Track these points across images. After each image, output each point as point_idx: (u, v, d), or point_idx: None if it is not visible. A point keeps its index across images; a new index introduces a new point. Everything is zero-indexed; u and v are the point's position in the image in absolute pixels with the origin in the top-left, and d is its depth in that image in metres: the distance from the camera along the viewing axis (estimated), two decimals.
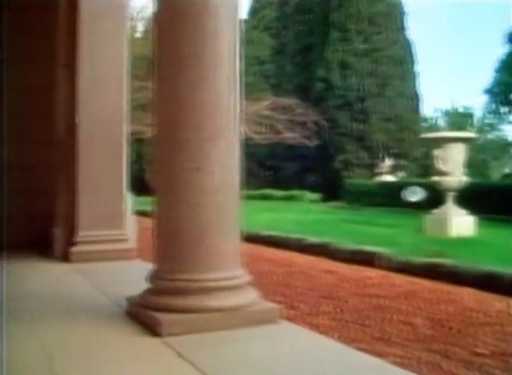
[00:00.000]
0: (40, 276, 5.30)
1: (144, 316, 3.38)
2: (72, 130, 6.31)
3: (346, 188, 24.10)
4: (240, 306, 3.36)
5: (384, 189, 21.96)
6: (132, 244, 6.38)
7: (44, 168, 7.66)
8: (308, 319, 4.36)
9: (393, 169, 28.77)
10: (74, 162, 6.18)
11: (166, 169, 3.40)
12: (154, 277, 3.47)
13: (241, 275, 3.47)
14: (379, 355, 3.33)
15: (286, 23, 35.77)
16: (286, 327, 3.49)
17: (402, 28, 31.28)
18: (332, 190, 25.86)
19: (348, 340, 3.85)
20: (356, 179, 25.98)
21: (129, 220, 6.46)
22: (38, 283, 4.85)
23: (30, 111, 7.71)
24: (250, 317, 3.38)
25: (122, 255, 6.07)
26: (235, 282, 3.39)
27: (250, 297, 3.46)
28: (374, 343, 3.79)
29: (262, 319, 3.41)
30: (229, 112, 3.48)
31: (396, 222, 13.84)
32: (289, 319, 3.88)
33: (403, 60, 30.37)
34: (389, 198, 20.43)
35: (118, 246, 6.12)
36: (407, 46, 31.09)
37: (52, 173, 7.01)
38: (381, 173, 27.01)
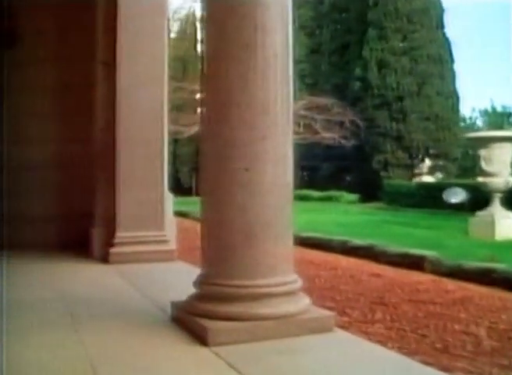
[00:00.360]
0: (80, 277, 5.17)
1: (190, 322, 3.18)
2: (111, 128, 6.18)
3: (385, 189, 23.68)
4: (293, 314, 3.14)
5: (423, 190, 21.49)
6: (172, 245, 6.22)
7: (83, 167, 7.56)
8: (362, 327, 4.11)
9: (432, 170, 28.21)
10: (113, 161, 6.05)
11: (214, 168, 3.19)
12: (201, 282, 3.26)
13: (294, 280, 3.25)
14: (446, 369, 3.06)
15: (322, 22, 35.42)
16: (342, 336, 3.25)
17: (440, 26, 30.66)
18: (369, 190, 25.46)
19: (409, 351, 3.59)
20: (394, 179, 25.51)
21: (169, 221, 6.29)
22: (78, 286, 4.70)
23: (68, 109, 7.63)
24: (304, 325, 3.16)
25: (163, 257, 5.91)
26: (288, 288, 3.17)
27: (303, 304, 3.23)
28: (437, 355, 3.52)
29: (316, 328, 3.18)
30: (280, 109, 3.27)
31: (439, 224, 13.45)
32: (342, 327, 3.64)
33: (441, 58, 29.75)
34: (429, 199, 19.97)
35: (158, 247, 5.96)
36: (445, 44, 30.45)
37: (91, 172, 6.90)
38: (420, 174, 26.51)
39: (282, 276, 3.19)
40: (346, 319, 4.23)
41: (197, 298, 3.24)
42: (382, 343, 3.61)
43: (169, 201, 6.41)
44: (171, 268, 5.64)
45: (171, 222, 6.41)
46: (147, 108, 6.12)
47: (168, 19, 8.61)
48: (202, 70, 3.43)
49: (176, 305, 3.47)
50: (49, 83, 7.70)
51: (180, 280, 4.92)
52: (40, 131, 7.73)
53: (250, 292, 3.08)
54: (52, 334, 3.23)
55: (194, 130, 22.93)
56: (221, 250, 3.15)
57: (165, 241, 6.06)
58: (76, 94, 7.57)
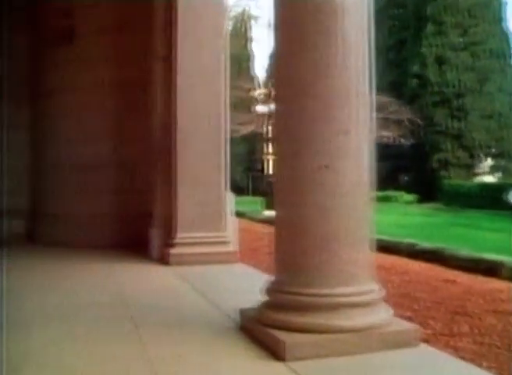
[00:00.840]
0: (140, 280, 4.99)
1: (262, 334, 2.92)
2: (169, 125, 6.00)
3: (444, 189, 22.94)
4: (375, 326, 2.83)
5: (484, 190, 20.71)
6: (233, 246, 5.99)
7: (141, 166, 7.42)
8: (449, 341, 3.77)
9: (493, 170, 27.20)
10: (172, 160, 5.87)
11: (290, 166, 2.91)
12: (273, 290, 3.00)
13: (375, 289, 2.94)
14: None
15: (377, 19, 34.61)
16: (429, 353, 2.92)
17: (500, 20, 29.54)
18: (427, 190, 24.72)
19: (501, 371, 3.23)
20: (453, 179, 24.68)
21: (230, 221, 6.07)
22: (138, 289, 4.51)
23: (126, 107, 7.52)
24: (386, 339, 2.84)
25: (224, 259, 5.68)
26: (369, 298, 2.87)
27: (385, 315, 2.92)
28: None
29: (400, 342, 2.86)
30: (360, 101, 2.97)
31: (504, 226, 12.79)
32: (426, 340, 3.31)
33: (503, 53, 28.66)
34: (490, 199, 19.21)
35: (219, 249, 5.74)
36: (505, 38, 29.31)
37: (149, 171, 6.75)
38: (480, 174, 25.58)
39: (362, 284, 2.89)
40: (429, 331, 3.89)
41: (269, 306, 2.98)
42: (475, 362, 3.25)
43: (230, 201, 6.18)
44: (233, 271, 5.40)
45: (232, 223, 6.18)
46: (207, 105, 5.91)
47: None
48: (275, 59, 3.16)
49: (244, 313, 3.21)
50: (107, 81, 7.59)
51: (244, 284, 4.70)
52: (97, 130, 7.64)
53: (328, 302, 2.79)
54: (114, 344, 3.03)
55: (249, 129, 22.82)
56: (297, 255, 2.87)
57: (225, 243, 5.84)
58: (134, 92, 7.43)
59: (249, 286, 4.53)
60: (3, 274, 5.13)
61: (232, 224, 6.17)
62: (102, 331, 3.26)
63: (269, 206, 16.67)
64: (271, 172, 18.69)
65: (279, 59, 3.18)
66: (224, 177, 5.97)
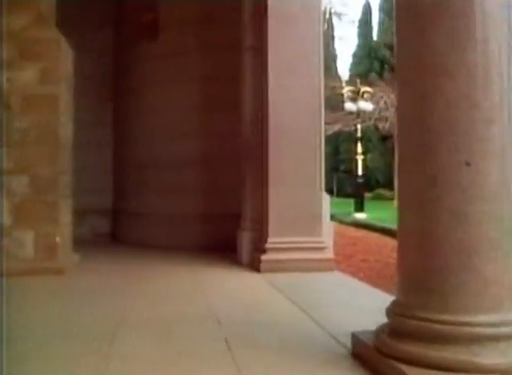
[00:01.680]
0: (230, 288, 4.58)
1: (382, 366, 2.40)
2: (260, 121, 5.58)
3: None
4: None
5: None
6: (330, 253, 5.49)
7: (229, 164, 7.05)
8: None
9: None
10: (263, 158, 5.44)
11: (420, 162, 2.37)
12: (396, 312, 2.47)
13: None
14: None
15: None
16: None
17: None
18: None
19: None
20: None
21: (325, 225, 5.57)
22: (230, 299, 4.10)
23: (213, 102, 7.17)
24: None
25: (319, 266, 5.20)
26: None
27: None
28: None
29: None
30: (507, 83, 2.40)
31: None
32: None
33: None
34: None
35: (314, 255, 5.26)
36: None
37: (238, 169, 6.36)
38: None
39: (510, 311, 2.32)
40: None
41: (391, 333, 2.46)
42: None
43: (326, 203, 5.69)
44: (331, 280, 4.91)
45: (327, 226, 5.68)
46: (301, 98, 5.44)
47: None
48: (395, 33, 2.62)
49: (358, 338, 2.71)
50: (192, 76, 7.29)
51: (347, 297, 4.20)
52: (183, 127, 7.34)
53: (468, 332, 2.24)
54: (205, 367, 2.61)
55: (335, 128, 22.19)
56: (427, 272, 2.33)
57: (322, 249, 5.35)
58: (222, 86, 7.08)
59: (353, 300, 4.04)
60: (83, 278, 4.89)
61: (327, 228, 5.67)
62: (193, 351, 2.86)
63: (359, 208, 16.04)
64: (360, 172, 17.98)
65: (400, 31, 2.64)
66: (320, 177, 5.49)
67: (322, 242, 5.37)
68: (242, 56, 6.06)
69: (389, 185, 34.03)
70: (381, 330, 2.53)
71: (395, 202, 27.13)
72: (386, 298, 4.29)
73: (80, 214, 8.42)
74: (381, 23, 43.57)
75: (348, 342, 2.81)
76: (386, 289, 5.35)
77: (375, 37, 44.38)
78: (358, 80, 20.63)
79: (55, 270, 5.00)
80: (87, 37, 8.29)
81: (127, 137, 8.09)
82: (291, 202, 5.26)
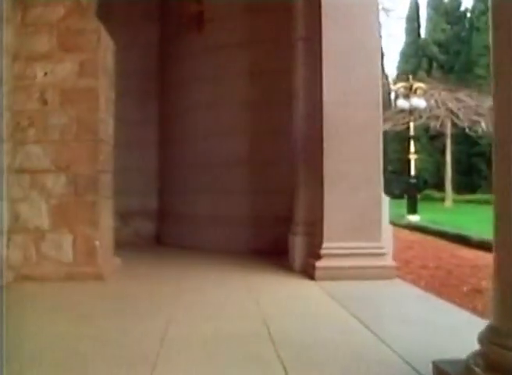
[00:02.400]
0: (283, 300, 4.14)
1: None
2: (314, 116, 5.14)
3: None
4: None
5: None
6: (390, 259, 5.00)
7: (280, 163, 6.64)
8: None
9: None
10: (318, 156, 4.99)
11: None
12: (493, 342, 1.99)
13: None
14: None
15: None
16: None
17: None
18: None
19: None
20: None
21: (384, 229, 5.08)
22: (284, 313, 3.66)
23: (262, 97, 6.76)
24: None
25: (379, 274, 4.72)
26: None
27: None
28: None
29: None
30: None
31: None
32: None
33: None
34: None
35: (374, 262, 4.78)
36: None
37: (290, 169, 5.94)
38: None
39: None
40: None
41: (489, 368, 1.98)
42: None
43: (385, 204, 5.20)
44: (394, 291, 4.42)
45: (387, 231, 5.18)
46: (359, 90, 4.97)
47: None
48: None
49: (442, 371, 2.24)
50: (241, 69, 6.90)
51: (418, 312, 3.70)
52: (231, 124, 6.97)
53: None
54: None
55: (386, 126, 21.45)
56: None
57: (382, 255, 4.86)
58: (272, 80, 6.67)
59: (423, 315, 3.56)
60: (124, 285, 4.54)
61: (386, 232, 5.18)
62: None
63: (412, 210, 15.35)
64: (412, 173, 17.24)
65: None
66: (380, 176, 5.00)
67: (382, 248, 4.88)
68: (293, 48, 5.63)
69: (438, 186, 33.01)
70: (473, 363, 2.06)
71: (446, 204, 26.12)
72: (458, 313, 3.83)
73: (123, 216, 8.16)
74: (429, 20, 42.47)
75: (426, 371, 2.35)
76: (452, 300, 4.84)
77: (422, 34, 43.29)
78: (411, 76, 19.85)
79: (94, 276, 4.68)
80: (131, 33, 8.01)
81: (172, 135, 7.75)
82: (348, 204, 4.80)
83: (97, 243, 4.73)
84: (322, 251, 4.78)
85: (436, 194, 31.79)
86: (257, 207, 6.79)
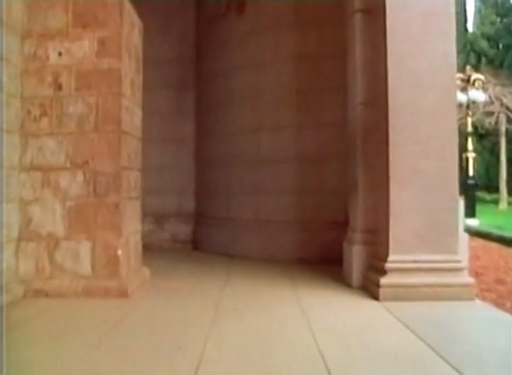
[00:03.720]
0: (342, 325, 3.31)
1: None
2: (378, 102, 4.32)
3: None
4: None
5: None
6: (467, 275, 4.12)
7: (332, 159, 5.84)
8: None
9: None
10: (380, 150, 4.17)
11: None
12: None
13: None
14: None
15: None
16: None
17: None
18: None
19: None
20: None
21: (460, 238, 4.21)
22: (344, 344, 2.85)
23: (312, 83, 5.94)
24: None
25: (457, 294, 3.88)
26: None
27: None
28: None
29: None
30: None
31: None
32: None
33: None
34: None
35: (451, 279, 3.92)
36: None
37: (344, 167, 5.15)
38: None
39: None
40: None
41: None
42: None
43: (461, 209, 4.33)
44: (481, 318, 3.55)
45: (462, 239, 4.31)
46: (430, 71, 4.12)
47: None
48: None
49: None
50: (287, 54, 6.10)
51: None
52: (275, 116, 6.17)
53: None
54: None
55: None
56: None
57: (459, 270, 4.00)
58: (321, 65, 5.87)
59: None
60: (151, 303, 3.80)
61: (462, 242, 4.30)
62: None
63: (470, 213, 14.19)
64: (471, 172, 16.02)
65: None
66: (456, 175, 4.14)
67: (459, 261, 4.02)
68: (348, 23, 4.82)
69: (488, 188, 31.36)
70: None
71: (500, 206, 24.62)
72: None
73: (158, 218, 7.47)
74: (477, 12, 40.71)
75: None
76: None
77: (470, 28, 41.53)
78: (468, 67, 18.57)
79: (116, 292, 3.97)
80: (165, 18, 7.33)
81: (211, 129, 7.01)
82: (420, 208, 3.95)
83: (119, 252, 4.02)
84: (388, 265, 3.94)
85: (487, 196, 30.16)
86: (305, 210, 6.00)
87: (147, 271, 4.74)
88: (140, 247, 4.67)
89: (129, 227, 4.28)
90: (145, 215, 7.47)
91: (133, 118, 4.38)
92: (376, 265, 4.11)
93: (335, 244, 5.39)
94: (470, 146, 16.39)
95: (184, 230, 7.48)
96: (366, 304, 3.84)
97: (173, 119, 7.42)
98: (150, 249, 7.21)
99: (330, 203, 5.87)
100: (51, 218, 4.03)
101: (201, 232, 7.20)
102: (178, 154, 7.48)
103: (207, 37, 7.14)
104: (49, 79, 4.04)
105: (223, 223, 6.69)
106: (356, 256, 4.38)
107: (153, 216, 7.43)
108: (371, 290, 4.07)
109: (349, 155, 4.78)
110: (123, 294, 3.96)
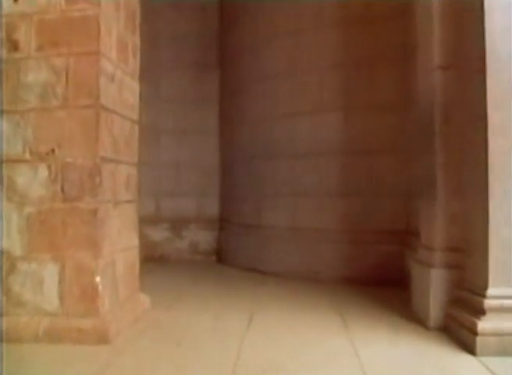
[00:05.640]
0: None
1: None
2: (462, 68, 3.05)
3: None
4: None
5: None
6: None
7: (388, 151, 4.57)
8: None
9: None
10: (474, 136, 2.90)
11: None
12: None
13: None
14: None
15: None
16: None
17: None
18: None
19: None
20: None
21: None
22: None
23: (363, 54, 4.69)
24: None
25: None
26: None
27: None
28: None
29: None
30: None
31: None
32: None
33: None
34: None
35: None
36: None
37: (407, 160, 3.91)
38: None
39: None
40: None
41: None
42: None
43: None
44: None
45: None
46: None
47: None
48: None
49: None
50: (331, 16, 4.83)
51: None
52: (318, 95, 4.89)
53: None
54: None
55: None
56: None
57: None
58: (374, 31, 4.61)
59: None
60: (144, 357, 2.60)
61: None
62: None
63: None
64: None
65: None
66: None
67: None
68: None
69: None
70: None
71: None
72: None
73: (175, 225, 6.30)
74: None
75: None
76: None
77: None
78: None
79: (93, 334, 2.79)
80: None
81: (239, 117, 5.79)
82: None
83: (97, 279, 2.83)
84: (489, 302, 2.65)
85: None
86: (353, 216, 4.74)
87: (145, 300, 3.54)
88: (136, 267, 3.48)
89: (117, 243, 3.09)
90: (159, 220, 6.32)
91: (122, 91, 3.19)
92: (467, 299, 2.82)
93: (392, 259, 4.22)
94: None
95: (206, 238, 6.29)
96: (454, 359, 2.57)
97: (193, 106, 6.24)
98: (164, 262, 6.07)
99: (386, 207, 4.61)
100: (3, 230, 2.86)
101: (226, 241, 5.99)
102: (199, 147, 6.29)
103: (233, 6, 5.92)
104: (1, 34, 2.87)
105: (252, 230, 5.47)
106: (434, 284, 3.09)
107: (168, 222, 6.28)
108: (459, 336, 2.79)
109: (413, 143, 3.50)
110: (103, 338, 2.78)
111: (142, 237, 6.32)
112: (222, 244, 6.12)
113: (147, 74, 6.19)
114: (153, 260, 5.95)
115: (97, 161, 2.84)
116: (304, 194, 5.03)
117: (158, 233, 6.26)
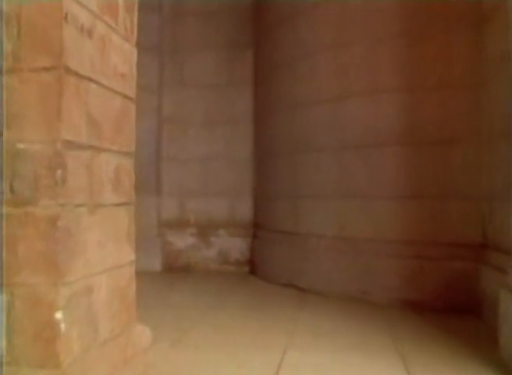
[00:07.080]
0: None
1: None
2: None
3: None
4: None
5: None
6: None
7: (465, 141, 3.65)
8: None
9: None
10: None
11: None
12: None
13: None
14: None
15: None
16: None
17: None
18: None
19: None
20: None
21: None
22: None
23: (428, 22, 3.76)
24: None
25: None
26: None
27: None
28: None
29: None
30: None
31: None
32: None
33: None
34: None
35: None
36: None
37: (489, 150, 2.98)
38: None
39: None
40: None
41: None
42: None
43: None
44: None
45: None
46: None
47: None
48: None
49: None
50: None
51: None
52: (372, 75, 3.99)
53: None
54: None
55: None
56: None
57: None
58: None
59: None
60: None
61: None
62: None
63: None
64: None
65: None
66: None
67: None
68: None
69: None
70: None
71: None
72: None
73: (203, 231, 5.46)
74: None
75: None
76: None
77: None
78: None
79: None
80: None
81: (276, 103, 4.91)
82: None
83: (58, 316, 1.99)
84: None
85: None
86: (415, 224, 3.81)
87: (143, 334, 2.68)
88: (129, 291, 2.63)
89: (96, 262, 2.25)
90: (184, 225, 5.51)
91: (107, 54, 2.34)
92: None
93: (464, 280, 3.32)
94: None
95: (238, 246, 5.43)
96: None
97: (224, 92, 5.40)
98: (189, 273, 5.26)
99: (458, 214, 3.66)
100: None
101: (261, 250, 5.12)
102: (230, 140, 5.45)
103: None
104: None
105: (289, 238, 4.58)
106: None
107: (195, 227, 5.45)
108: None
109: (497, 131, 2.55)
110: None
111: (164, 244, 5.56)
112: (256, 254, 5.25)
113: (169, 55, 5.38)
114: (176, 270, 5.15)
115: (58, 147, 1.99)
116: (352, 196, 4.11)
117: (182, 240, 5.44)
